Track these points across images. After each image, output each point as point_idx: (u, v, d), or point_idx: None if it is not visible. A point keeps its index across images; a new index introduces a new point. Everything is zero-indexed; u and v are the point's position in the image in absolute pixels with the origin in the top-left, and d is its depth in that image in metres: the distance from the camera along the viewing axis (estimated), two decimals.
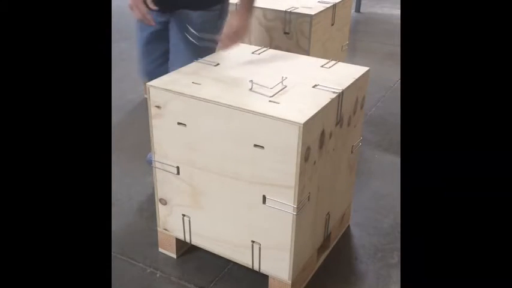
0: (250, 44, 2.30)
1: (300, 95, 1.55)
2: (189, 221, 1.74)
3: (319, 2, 2.49)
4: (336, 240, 1.96)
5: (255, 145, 1.47)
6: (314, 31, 2.32)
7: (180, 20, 1.91)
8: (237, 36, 1.83)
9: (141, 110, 2.06)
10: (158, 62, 2.07)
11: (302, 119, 1.39)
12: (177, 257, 1.86)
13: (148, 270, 1.82)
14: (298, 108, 1.46)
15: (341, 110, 1.61)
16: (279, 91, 1.56)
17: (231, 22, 1.83)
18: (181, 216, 1.75)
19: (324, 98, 1.52)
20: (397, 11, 5.19)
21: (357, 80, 1.68)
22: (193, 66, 1.75)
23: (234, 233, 1.66)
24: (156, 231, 1.88)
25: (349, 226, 2.06)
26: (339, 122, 1.63)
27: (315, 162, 1.52)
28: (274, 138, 1.43)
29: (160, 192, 1.76)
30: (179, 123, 1.59)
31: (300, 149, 1.41)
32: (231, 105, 1.47)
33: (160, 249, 1.89)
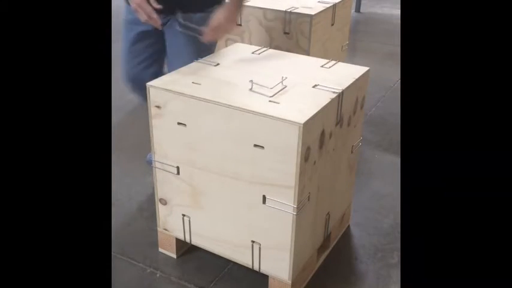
0: (250, 44, 2.30)
1: (300, 95, 1.55)
2: (189, 221, 1.74)
3: (319, 2, 2.49)
4: (336, 240, 1.96)
5: (255, 145, 1.47)
6: (314, 31, 2.32)
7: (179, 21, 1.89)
8: (222, 30, 1.79)
9: (141, 110, 2.05)
10: (144, 64, 2.00)
11: (302, 119, 1.39)
12: (177, 257, 1.86)
13: (148, 270, 1.82)
14: (298, 108, 1.46)
15: (341, 110, 1.61)
16: (279, 91, 1.56)
17: (218, 15, 1.78)
18: (181, 216, 1.75)
19: (324, 98, 1.52)
20: (397, 11, 5.19)
21: (357, 80, 1.68)
22: (193, 66, 1.75)
23: (234, 233, 1.66)
24: (156, 231, 1.88)
25: (349, 226, 2.06)
26: (339, 122, 1.63)
27: (315, 162, 1.52)
28: (274, 138, 1.43)
29: (160, 192, 1.76)
30: (179, 123, 1.59)
31: (300, 149, 1.41)
32: (231, 105, 1.47)
33: (160, 249, 1.89)
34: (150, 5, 1.71)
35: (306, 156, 1.44)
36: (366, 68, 1.77)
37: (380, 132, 2.81)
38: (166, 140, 1.65)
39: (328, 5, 2.44)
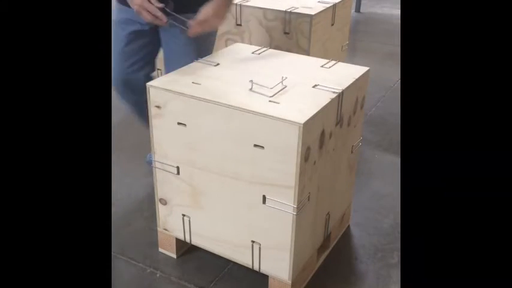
0: (250, 44, 2.30)
1: (300, 95, 1.55)
2: (189, 221, 1.74)
3: (319, 2, 2.49)
4: (336, 240, 1.96)
5: (255, 145, 1.47)
6: (314, 31, 2.32)
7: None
8: (209, 25, 1.75)
9: None
10: (136, 66, 1.96)
11: (302, 119, 1.39)
12: (177, 257, 1.86)
13: (148, 270, 1.82)
14: (298, 108, 1.46)
15: (341, 110, 1.61)
16: (279, 91, 1.56)
17: (206, 9, 1.72)
18: (181, 216, 1.75)
19: (324, 98, 1.52)
20: (397, 11, 5.19)
21: (357, 80, 1.68)
22: (193, 66, 1.75)
23: (234, 233, 1.66)
24: (156, 231, 1.88)
25: (349, 226, 2.06)
26: (339, 122, 1.63)
27: (315, 162, 1.52)
28: (274, 138, 1.43)
29: (160, 192, 1.76)
30: (179, 123, 1.59)
31: (300, 149, 1.41)
32: (231, 105, 1.47)
33: (160, 249, 1.89)
34: (151, 3, 1.68)
35: (306, 156, 1.44)
36: (366, 68, 1.77)
37: (380, 132, 2.81)
38: (166, 140, 1.65)
39: (328, 5, 2.44)
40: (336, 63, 1.81)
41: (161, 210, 1.80)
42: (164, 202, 1.77)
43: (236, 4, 2.43)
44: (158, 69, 2.38)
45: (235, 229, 1.65)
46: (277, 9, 2.36)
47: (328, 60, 1.83)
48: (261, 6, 2.39)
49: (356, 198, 2.13)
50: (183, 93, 1.55)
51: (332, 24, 2.51)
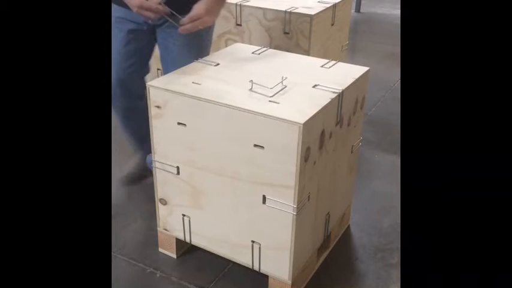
0: (250, 44, 2.30)
1: (300, 95, 1.55)
2: (189, 221, 1.74)
3: (319, 2, 2.49)
4: (336, 240, 1.96)
5: (255, 145, 1.47)
6: (314, 31, 2.32)
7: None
8: (201, 22, 1.70)
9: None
10: (135, 67, 1.94)
11: (302, 119, 1.39)
12: (177, 257, 1.86)
13: (148, 270, 1.82)
14: (298, 108, 1.46)
15: (341, 110, 1.61)
16: (279, 91, 1.56)
17: (199, 7, 1.68)
18: (181, 216, 1.75)
19: (324, 98, 1.52)
20: (397, 11, 5.19)
21: (357, 80, 1.68)
22: (193, 66, 1.75)
23: (234, 233, 1.66)
24: (156, 231, 1.88)
25: (349, 226, 2.06)
26: (339, 122, 1.63)
27: (315, 162, 1.52)
28: (274, 138, 1.43)
29: (160, 192, 1.76)
30: (179, 123, 1.59)
31: (300, 149, 1.41)
32: (231, 105, 1.47)
33: (160, 249, 1.89)
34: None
35: (306, 156, 1.44)
36: (366, 68, 1.77)
37: (380, 132, 2.81)
38: (166, 140, 1.65)
39: (328, 5, 2.44)
40: (336, 63, 1.81)
41: (161, 210, 1.80)
42: (164, 202, 1.77)
43: (236, 4, 2.43)
44: (158, 69, 2.38)
45: (235, 229, 1.65)
46: (277, 9, 2.36)
47: (328, 60, 1.83)
48: (261, 6, 2.39)
49: (356, 198, 2.13)
50: (183, 93, 1.55)
51: (332, 24, 2.51)
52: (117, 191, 2.22)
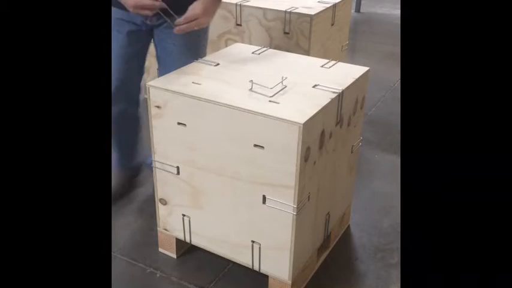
0: (250, 44, 2.30)
1: (300, 95, 1.55)
2: (189, 221, 1.74)
3: (319, 2, 2.49)
4: (336, 240, 1.96)
5: (255, 145, 1.47)
6: (314, 31, 2.32)
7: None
8: (197, 23, 1.67)
9: (141, 110, 2.06)
10: (135, 69, 1.93)
11: (302, 119, 1.39)
12: (177, 257, 1.86)
13: (148, 270, 1.82)
14: (298, 108, 1.46)
15: (341, 110, 1.61)
16: (279, 91, 1.56)
17: (195, 7, 1.66)
18: (181, 216, 1.75)
19: (324, 98, 1.52)
20: (397, 11, 5.19)
21: (357, 80, 1.68)
22: (193, 66, 1.75)
23: (234, 233, 1.66)
24: (156, 231, 1.88)
25: (349, 226, 2.06)
26: (339, 122, 1.63)
27: (315, 162, 1.52)
28: (274, 138, 1.44)
29: (160, 192, 1.76)
30: (179, 123, 1.59)
31: (300, 149, 1.41)
32: (231, 105, 1.47)
33: (160, 249, 1.89)
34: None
35: (306, 156, 1.44)
36: (365, 68, 1.77)
37: (380, 132, 2.81)
38: (166, 140, 1.65)
39: (328, 5, 2.44)
40: (336, 63, 1.81)
41: (161, 210, 1.80)
42: (164, 202, 1.77)
43: (236, 4, 2.43)
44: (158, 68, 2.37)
45: (235, 229, 1.65)
46: (277, 9, 2.36)
47: (328, 60, 1.83)
48: (261, 6, 2.39)
49: (356, 198, 2.13)
50: (183, 93, 1.55)
51: (332, 24, 2.51)
52: (117, 191, 2.21)
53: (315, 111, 1.44)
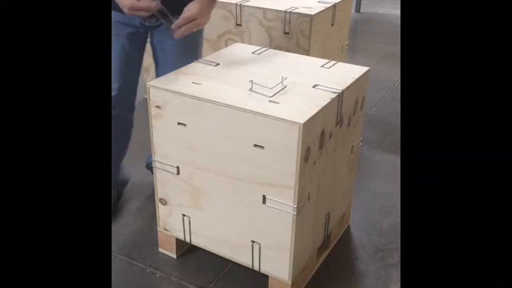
0: (250, 44, 2.30)
1: (300, 95, 1.55)
2: (189, 221, 1.74)
3: (319, 2, 2.49)
4: (336, 240, 1.96)
5: (255, 145, 1.47)
6: (314, 31, 2.32)
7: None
8: (195, 24, 1.65)
9: (141, 110, 2.05)
10: (134, 71, 1.91)
11: (302, 119, 1.39)
12: (177, 257, 1.86)
13: (148, 270, 1.82)
14: (298, 108, 1.46)
15: (341, 110, 1.61)
16: (279, 91, 1.56)
17: (191, 9, 1.63)
18: (181, 216, 1.75)
19: (324, 98, 1.52)
20: (397, 11, 5.19)
21: (357, 80, 1.68)
22: (193, 66, 1.75)
23: (234, 233, 1.66)
24: (156, 231, 1.88)
25: (349, 226, 2.06)
26: (339, 122, 1.63)
27: (315, 162, 1.52)
28: (274, 138, 1.44)
29: (160, 192, 1.76)
30: (179, 123, 1.59)
31: (300, 149, 1.41)
32: (231, 105, 1.47)
33: (160, 249, 1.89)
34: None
35: (306, 156, 1.44)
36: (365, 68, 1.77)
37: (380, 132, 2.81)
38: (166, 140, 1.65)
39: (328, 5, 2.44)
40: (336, 63, 1.81)
41: (161, 210, 1.80)
42: (164, 202, 1.77)
43: (236, 4, 2.44)
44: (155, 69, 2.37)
45: (235, 229, 1.65)
46: (277, 9, 2.36)
47: (328, 60, 1.83)
48: (261, 6, 2.39)
49: (356, 198, 2.13)
50: (183, 93, 1.55)
51: (332, 24, 2.51)
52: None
53: (315, 111, 1.44)
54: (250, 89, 1.56)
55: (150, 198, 2.11)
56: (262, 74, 1.68)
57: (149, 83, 1.62)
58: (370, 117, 2.98)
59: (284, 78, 1.61)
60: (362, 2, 5.19)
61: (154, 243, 1.90)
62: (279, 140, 1.43)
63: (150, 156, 1.73)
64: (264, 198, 1.53)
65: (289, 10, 2.33)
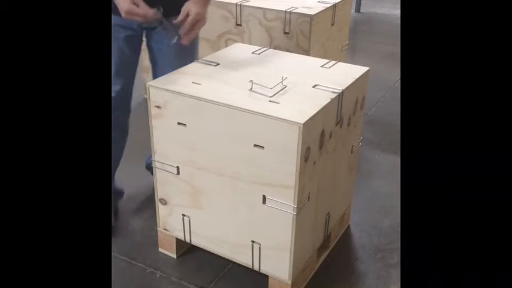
0: (250, 44, 2.30)
1: (300, 95, 1.55)
2: (189, 221, 1.74)
3: (319, 2, 2.49)
4: (336, 240, 1.96)
5: (255, 145, 1.47)
6: (314, 31, 2.32)
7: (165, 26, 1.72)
8: (199, 26, 1.65)
9: (141, 110, 2.05)
10: (131, 73, 1.90)
11: (302, 119, 1.39)
12: (177, 257, 1.86)
13: (148, 270, 1.82)
14: (298, 108, 1.46)
15: (341, 110, 1.61)
16: (279, 91, 1.56)
17: (191, 9, 1.62)
18: (181, 216, 1.75)
19: (324, 98, 1.52)
20: (397, 11, 5.19)
21: (356, 80, 1.68)
22: (193, 66, 1.75)
23: (234, 233, 1.66)
24: (156, 231, 1.88)
25: (349, 226, 2.06)
26: (339, 122, 1.63)
27: (315, 162, 1.52)
28: (274, 138, 1.43)
29: (160, 192, 1.76)
30: (179, 123, 1.59)
31: (300, 149, 1.41)
32: (231, 105, 1.47)
33: (160, 249, 1.89)
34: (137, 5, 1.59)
35: (306, 156, 1.44)
36: (365, 68, 1.77)
37: (380, 132, 2.81)
38: (166, 140, 1.65)
39: (328, 5, 2.44)
40: (336, 63, 1.81)
41: (161, 210, 1.80)
42: (164, 202, 1.77)
43: (236, 4, 2.44)
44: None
45: (235, 229, 1.65)
46: (277, 9, 2.36)
47: (328, 60, 1.83)
48: (261, 6, 2.39)
49: (356, 198, 2.13)
50: (183, 93, 1.55)
51: (332, 24, 2.51)
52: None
53: (315, 111, 1.44)
54: (250, 89, 1.56)
55: (150, 198, 2.11)
56: (262, 74, 1.68)
57: (149, 83, 1.61)
58: (370, 117, 2.98)
59: (284, 78, 1.61)
60: (362, 2, 5.19)
61: (154, 243, 1.90)
62: (279, 140, 1.43)
63: (150, 156, 1.73)
64: (264, 198, 1.53)
65: (289, 10, 2.33)
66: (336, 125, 1.62)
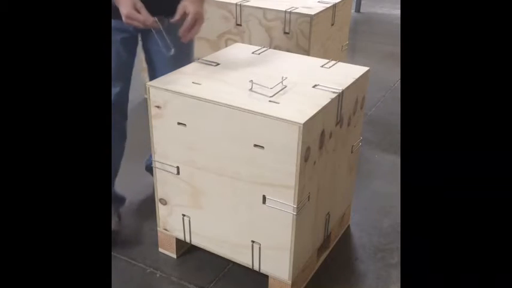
0: (250, 44, 2.30)
1: (300, 95, 1.55)
2: (189, 221, 1.74)
3: (319, 2, 2.49)
4: (336, 240, 1.96)
5: (255, 145, 1.47)
6: (314, 31, 2.32)
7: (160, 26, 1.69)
8: (198, 25, 1.64)
9: (141, 110, 2.05)
10: (128, 76, 1.88)
11: (302, 119, 1.39)
12: (177, 257, 1.86)
13: (148, 270, 1.82)
14: (298, 108, 1.46)
15: (341, 110, 1.61)
16: (279, 91, 1.56)
17: (188, 8, 1.61)
18: (181, 216, 1.75)
19: (324, 98, 1.52)
20: (397, 11, 5.20)
21: (356, 80, 1.68)
22: (193, 66, 1.75)
23: (234, 233, 1.66)
24: (156, 231, 1.88)
25: (349, 226, 2.06)
26: (339, 122, 1.63)
27: (315, 162, 1.52)
28: (274, 138, 1.44)
29: (160, 192, 1.76)
30: (179, 123, 1.59)
31: (300, 149, 1.41)
32: (231, 105, 1.47)
33: (160, 249, 1.89)
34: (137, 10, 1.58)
35: (306, 156, 1.44)
36: (365, 68, 1.77)
37: (380, 132, 2.81)
38: (166, 140, 1.65)
39: (328, 5, 2.44)
40: (336, 63, 1.81)
41: (161, 210, 1.80)
42: (164, 202, 1.77)
43: (236, 4, 2.44)
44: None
45: (235, 229, 1.65)
46: (277, 9, 2.36)
47: (328, 60, 1.83)
48: (261, 6, 2.39)
49: (356, 198, 2.13)
50: (183, 93, 1.55)
51: (332, 24, 2.51)
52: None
53: (315, 111, 1.44)
54: (250, 89, 1.56)
55: (150, 198, 2.11)
56: (262, 74, 1.68)
57: (149, 83, 1.62)
58: (370, 117, 2.98)
59: (284, 78, 1.61)
60: (362, 2, 5.19)
61: (154, 243, 1.90)
62: (279, 140, 1.43)
63: (150, 157, 1.73)
64: (264, 198, 1.53)
65: (289, 10, 2.33)
66: (336, 125, 1.62)
